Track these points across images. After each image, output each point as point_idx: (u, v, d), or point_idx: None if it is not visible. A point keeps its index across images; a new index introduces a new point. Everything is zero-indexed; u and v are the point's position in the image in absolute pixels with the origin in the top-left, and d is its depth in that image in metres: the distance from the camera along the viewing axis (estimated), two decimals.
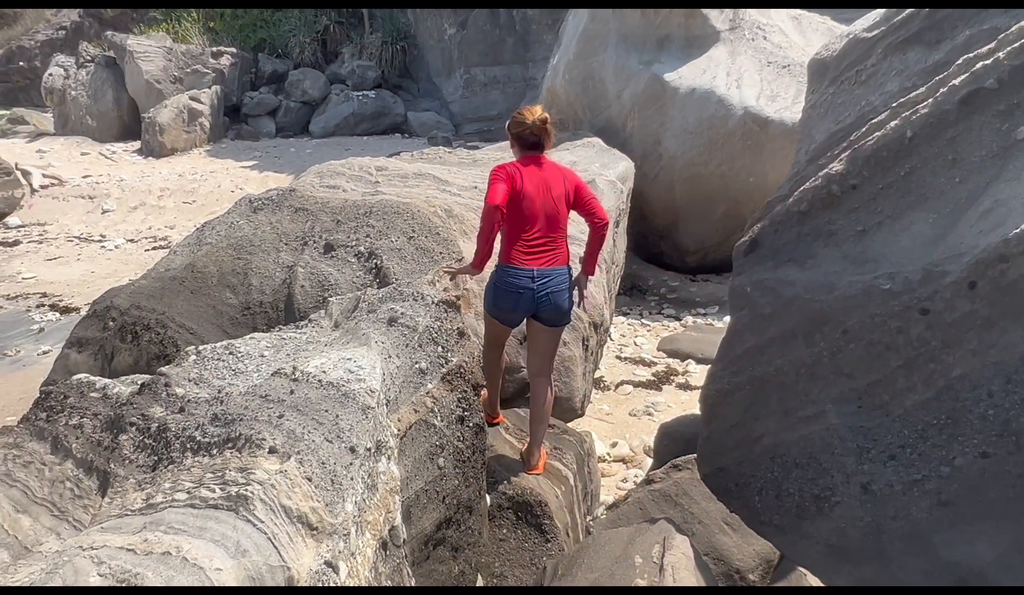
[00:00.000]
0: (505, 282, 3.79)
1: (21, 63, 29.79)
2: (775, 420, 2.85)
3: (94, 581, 1.92)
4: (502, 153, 6.65)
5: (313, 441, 2.36)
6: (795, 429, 2.77)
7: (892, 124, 2.71)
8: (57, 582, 1.91)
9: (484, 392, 4.10)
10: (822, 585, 3.13)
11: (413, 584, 2.72)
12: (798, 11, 9.74)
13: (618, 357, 7.31)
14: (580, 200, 3.88)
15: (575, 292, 3.98)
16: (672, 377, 6.83)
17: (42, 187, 14.50)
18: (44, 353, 7.48)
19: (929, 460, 2.42)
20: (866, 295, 2.59)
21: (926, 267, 2.46)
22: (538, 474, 3.95)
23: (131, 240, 11.97)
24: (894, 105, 2.76)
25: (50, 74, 21.13)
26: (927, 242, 2.53)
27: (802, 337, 2.77)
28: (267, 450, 2.29)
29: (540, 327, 3.91)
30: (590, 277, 4.08)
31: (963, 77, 2.53)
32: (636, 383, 6.74)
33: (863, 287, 2.61)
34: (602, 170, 6.77)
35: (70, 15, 30.24)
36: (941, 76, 2.63)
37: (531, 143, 3.87)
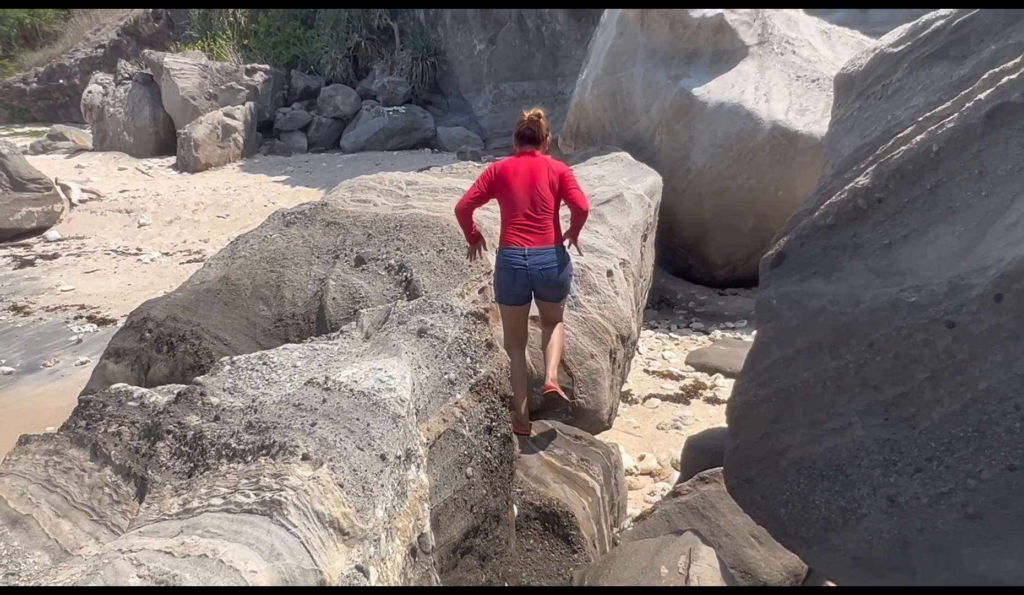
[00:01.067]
0: (502, 262, 4.26)
1: (61, 81, 30.52)
2: (801, 432, 2.85)
3: (134, 582, 1.98)
4: None
5: (345, 448, 2.42)
6: (821, 441, 2.78)
7: (918, 138, 2.72)
8: (98, 583, 1.98)
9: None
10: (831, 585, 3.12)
11: None
12: (828, 25, 9.71)
13: (646, 371, 7.31)
14: (564, 189, 4.33)
15: (572, 248, 4.49)
16: (700, 391, 6.82)
17: (80, 202, 14.84)
18: (82, 364, 7.65)
19: (956, 473, 2.42)
20: (892, 308, 2.60)
21: (952, 280, 2.47)
22: (552, 391, 4.20)
23: (166, 253, 12.20)
24: (920, 119, 2.77)
25: (89, 91, 21.66)
26: (953, 255, 2.53)
27: (828, 349, 2.77)
28: (300, 457, 2.35)
29: (543, 303, 4.38)
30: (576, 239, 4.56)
31: (989, 91, 2.54)
32: (664, 397, 6.73)
33: (889, 300, 2.62)
34: (630, 184, 6.80)
35: (109, 33, 30.95)
36: (967, 90, 2.64)
37: (527, 137, 4.40)
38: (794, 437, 2.87)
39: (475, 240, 4.48)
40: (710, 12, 8.46)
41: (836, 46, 9.22)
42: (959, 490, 2.41)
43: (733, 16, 8.53)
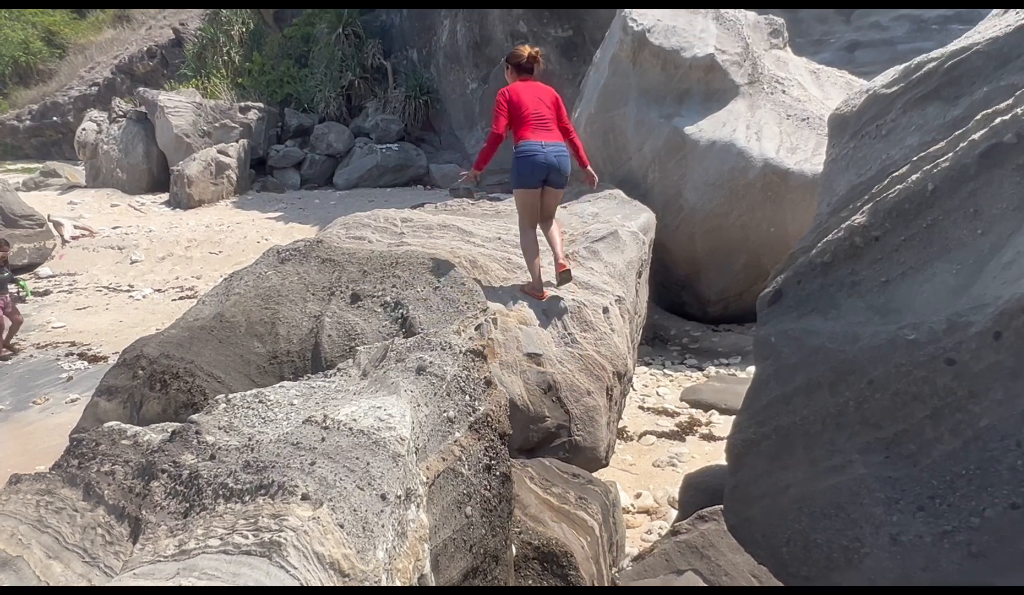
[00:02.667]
0: (523, 152, 5.21)
1: (55, 118, 30.65)
2: (802, 470, 2.84)
3: None
4: None
5: (345, 488, 2.39)
6: (822, 479, 2.77)
7: (913, 177, 2.75)
8: None
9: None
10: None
11: None
12: (816, 65, 9.87)
13: (641, 407, 7.29)
14: (560, 112, 5.41)
15: (586, 175, 5.65)
16: (695, 427, 6.79)
17: (73, 238, 14.81)
18: (72, 401, 7.57)
19: (959, 511, 2.41)
20: (891, 345, 2.61)
21: (950, 317, 2.48)
22: (565, 268, 5.09)
23: (159, 290, 12.16)
24: (915, 159, 2.81)
25: (83, 129, 21.73)
26: (950, 293, 2.55)
27: (827, 387, 2.78)
28: (300, 497, 2.32)
29: (548, 190, 5.32)
30: (588, 167, 5.69)
31: (982, 132, 2.57)
32: (659, 433, 6.70)
33: (888, 337, 2.63)
34: (624, 221, 6.83)
35: (103, 71, 31.14)
36: (961, 131, 2.68)
37: (527, 68, 5.51)
38: (795, 475, 2.86)
39: (480, 167, 5.29)
40: (701, 53, 8.59)
41: (825, 86, 9.36)
42: (962, 528, 2.40)
43: (723, 57, 8.66)
